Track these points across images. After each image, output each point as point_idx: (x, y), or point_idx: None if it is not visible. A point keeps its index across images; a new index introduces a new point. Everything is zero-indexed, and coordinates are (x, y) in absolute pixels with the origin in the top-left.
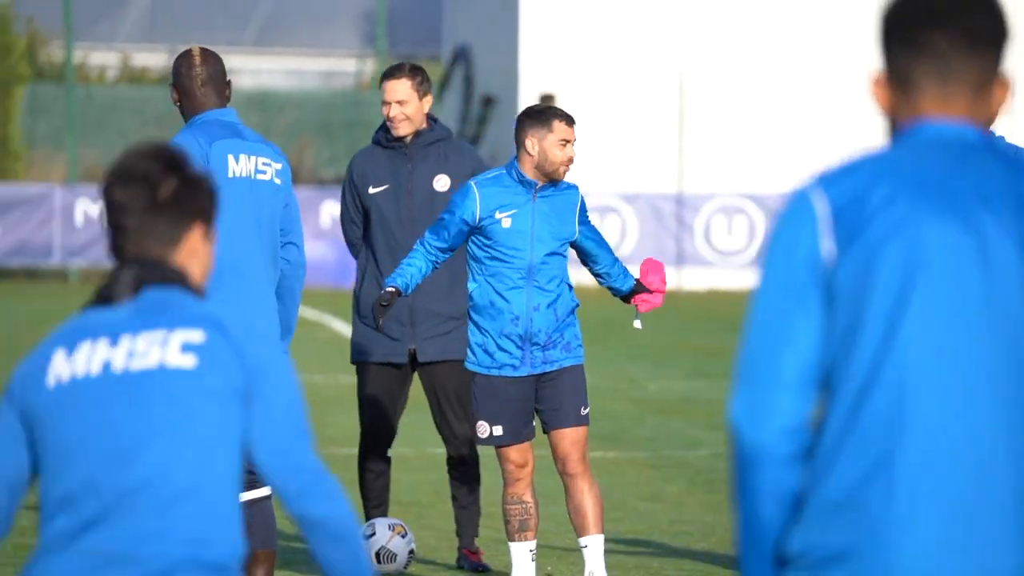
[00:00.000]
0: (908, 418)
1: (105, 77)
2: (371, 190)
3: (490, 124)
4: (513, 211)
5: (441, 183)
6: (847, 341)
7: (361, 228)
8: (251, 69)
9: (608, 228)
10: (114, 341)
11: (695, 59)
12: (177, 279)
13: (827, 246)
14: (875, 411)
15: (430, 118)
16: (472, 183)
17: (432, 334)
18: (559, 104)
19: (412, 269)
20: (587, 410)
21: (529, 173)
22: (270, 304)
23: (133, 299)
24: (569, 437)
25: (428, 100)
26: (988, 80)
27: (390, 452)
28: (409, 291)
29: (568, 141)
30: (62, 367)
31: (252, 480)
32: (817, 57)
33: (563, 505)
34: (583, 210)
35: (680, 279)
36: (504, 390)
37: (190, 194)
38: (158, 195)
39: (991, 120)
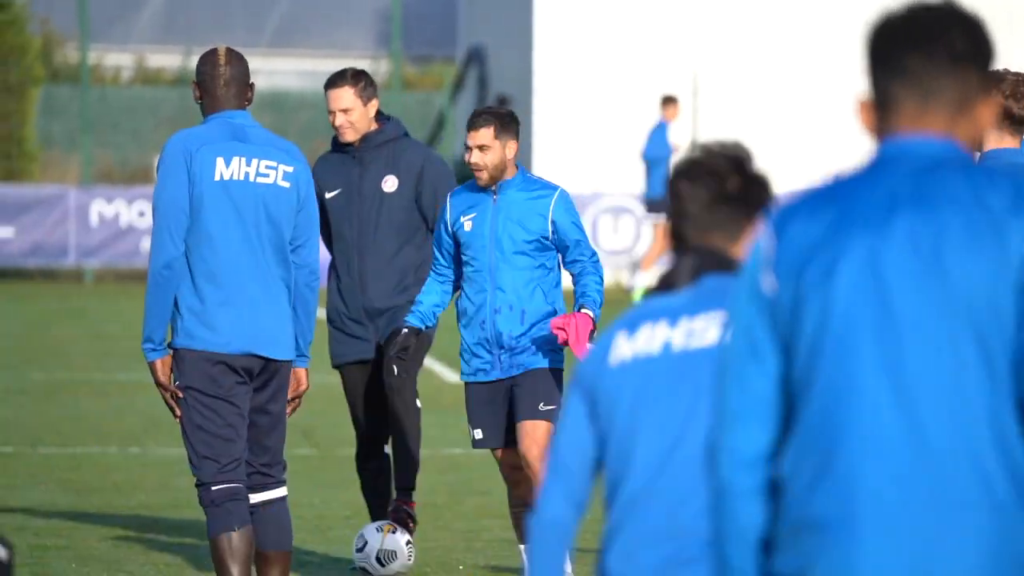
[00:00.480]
0: (844, 425)
1: (120, 78)
2: (326, 195)
3: None
4: (473, 214)
5: (389, 184)
6: (800, 366)
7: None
8: (266, 70)
9: (622, 228)
10: (673, 323)
11: (709, 59)
12: (734, 268)
13: (768, 281)
14: (811, 420)
15: (383, 118)
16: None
17: (390, 326)
18: (513, 104)
19: (425, 300)
20: (551, 407)
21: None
22: (267, 306)
23: (692, 285)
24: (525, 430)
25: (373, 104)
26: (970, 99)
27: (388, 449)
28: (428, 324)
29: (471, 147)
30: (624, 348)
31: (266, 481)
32: (831, 57)
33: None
34: (564, 211)
35: None
36: (479, 395)
37: (755, 191)
38: (725, 189)
39: (977, 138)
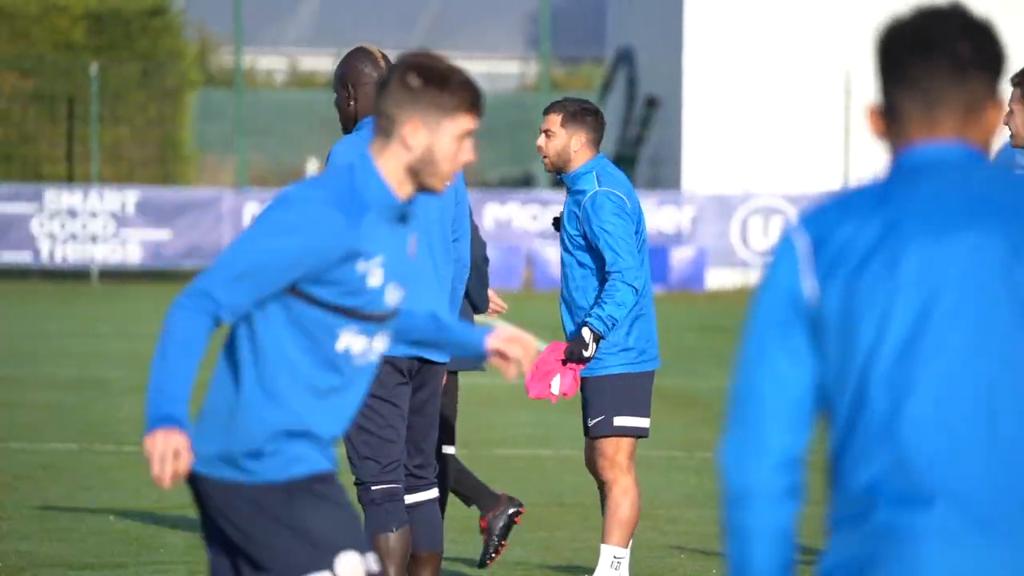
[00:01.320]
0: (913, 425)
1: (273, 81)
2: None
3: (654, 126)
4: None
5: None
6: (842, 369)
7: None
8: None
9: (773, 230)
10: None
11: (862, 58)
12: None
13: (808, 283)
14: (874, 420)
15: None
16: None
17: None
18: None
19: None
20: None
21: None
22: (439, 302)
23: None
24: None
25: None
26: (979, 105)
27: (450, 449)
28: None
29: (541, 130)
30: None
31: (419, 483)
32: None
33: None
34: (592, 214)
35: None
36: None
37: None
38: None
39: (988, 141)
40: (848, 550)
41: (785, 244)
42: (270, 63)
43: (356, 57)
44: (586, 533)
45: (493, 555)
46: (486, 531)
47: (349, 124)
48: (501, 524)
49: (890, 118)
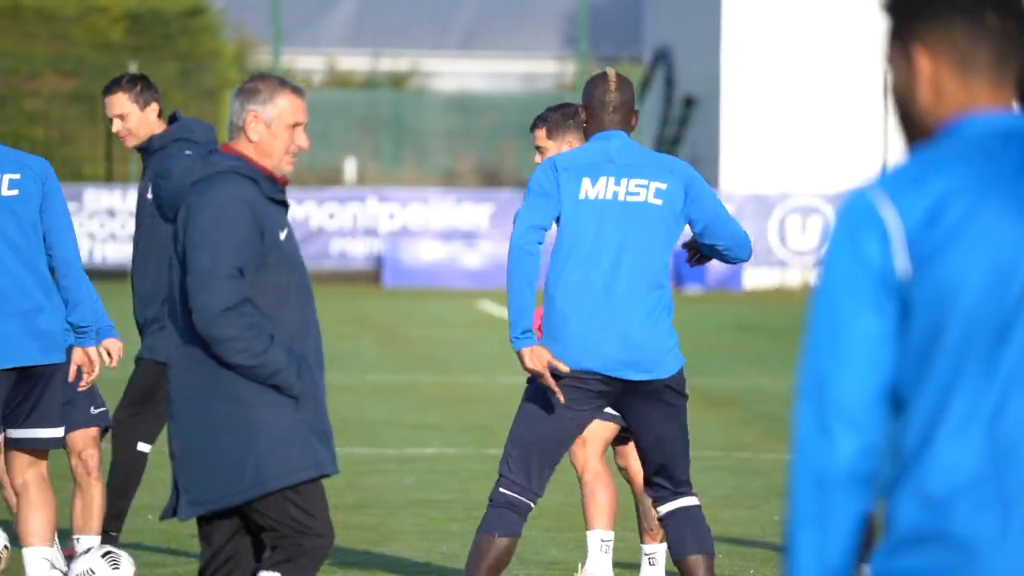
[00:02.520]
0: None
1: (311, 81)
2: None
3: (691, 125)
4: None
5: (151, 191)
6: (927, 359)
7: None
8: (453, 72)
9: (811, 229)
10: None
11: None
12: None
13: (901, 263)
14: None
15: (173, 119)
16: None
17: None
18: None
19: None
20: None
21: None
22: (633, 328)
23: None
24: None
25: (153, 108)
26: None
27: None
28: None
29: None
30: None
31: (675, 491)
32: None
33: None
34: None
35: None
36: None
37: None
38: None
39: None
40: (920, 561)
41: (868, 215)
42: (308, 63)
43: (592, 82)
44: (626, 533)
45: None
46: None
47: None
48: None
49: (955, 77)
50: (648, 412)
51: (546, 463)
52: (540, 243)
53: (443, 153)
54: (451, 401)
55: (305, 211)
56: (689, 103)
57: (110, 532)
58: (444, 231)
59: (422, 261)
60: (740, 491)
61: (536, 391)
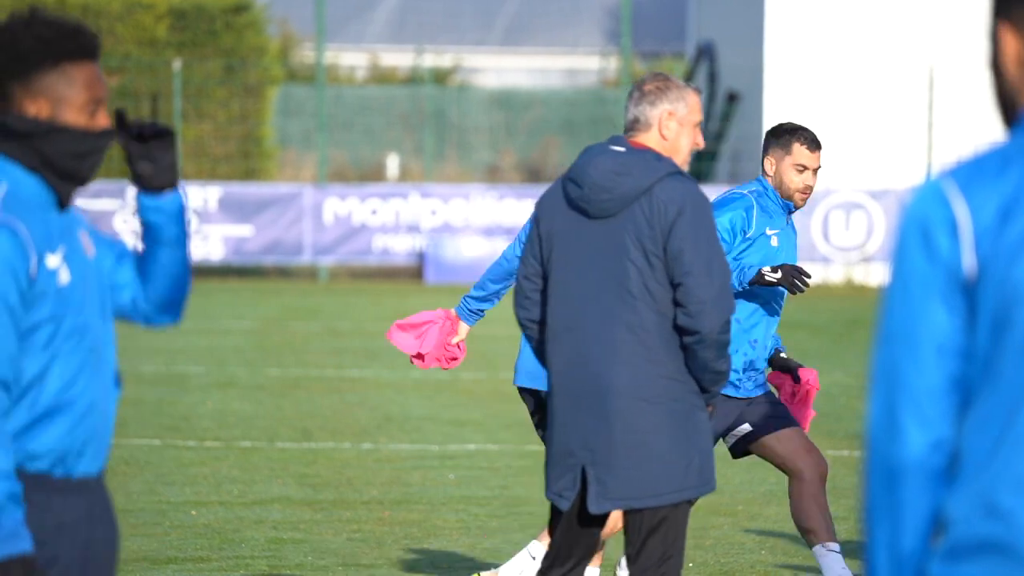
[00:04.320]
0: None
1: (354, 77)
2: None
3: (734, 121)
4: (777, 231)
5: None
6: (993, 362)
7: None
8: (496, 68)
9: (854, 225)
10: None
11: (945, 52)
12: None
13: (969, 260)
14: None
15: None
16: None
17: None
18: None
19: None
20: None
21: (782, 194)
22: None
23: None
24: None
25: None
26: None
27: None
28: None
29: (806, 168)
30: None
31: None
32: None
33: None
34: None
35: None
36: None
37: None
38: None
39: None
40: (981, 570)
41: (941, 208)
42: (351, 59)
43: None
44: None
45: None
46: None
47: None
48: None
49: None
50: None
51: None
52: None
53: (486, 149)
54: (493, 397)
55: (348, 207)
56: (732, 98)
57: None
58: (486, 227)
59: (464, 257)
60: (782, 488)
61: None
